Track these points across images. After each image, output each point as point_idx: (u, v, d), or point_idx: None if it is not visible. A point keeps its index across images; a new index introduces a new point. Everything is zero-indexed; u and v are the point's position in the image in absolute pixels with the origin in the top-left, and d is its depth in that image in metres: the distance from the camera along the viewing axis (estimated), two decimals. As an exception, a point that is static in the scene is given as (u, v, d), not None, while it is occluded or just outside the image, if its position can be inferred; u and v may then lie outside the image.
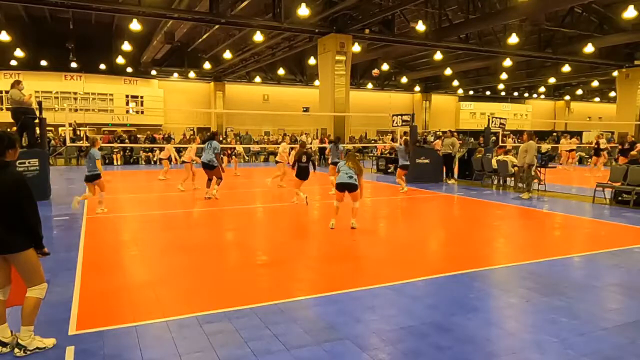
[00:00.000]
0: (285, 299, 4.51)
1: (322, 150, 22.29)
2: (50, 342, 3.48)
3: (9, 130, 4.59)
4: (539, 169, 13.10)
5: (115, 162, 22.74)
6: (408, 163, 12.84)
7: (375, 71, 21.56)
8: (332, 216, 7.93)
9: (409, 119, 15.75)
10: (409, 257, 6.24)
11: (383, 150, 22.01)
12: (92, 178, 9.01)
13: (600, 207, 10.45)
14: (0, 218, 3.23)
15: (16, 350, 3.35)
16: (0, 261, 3.36)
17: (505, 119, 18.08)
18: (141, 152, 23.75)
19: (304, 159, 10.17)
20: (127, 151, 23.37)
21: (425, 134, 31.65)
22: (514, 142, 22.26)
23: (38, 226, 3.35)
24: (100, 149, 11.18)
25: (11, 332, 3.47)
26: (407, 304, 4.43)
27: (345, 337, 3.69)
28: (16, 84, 10.60)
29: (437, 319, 4.08)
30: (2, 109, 28.46)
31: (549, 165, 14.75)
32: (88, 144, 9.68)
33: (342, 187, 7.75)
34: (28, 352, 3.35)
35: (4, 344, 3.41)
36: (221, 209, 10.08)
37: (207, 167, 10.88)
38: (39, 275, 3.43)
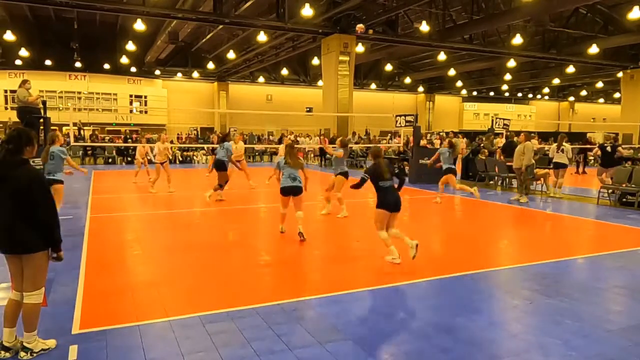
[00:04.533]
0: (288, 299, 4.50)
1: (322, 151, 22.35)
2: (52, 343, 3.47)
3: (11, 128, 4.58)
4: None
5: (116, 162, 22.87)
6: (453, 166, 11.20)
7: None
8: (280, 222, 7.42)
9: (412, 120, 15.74)
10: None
11: (386, 150, 21.99)
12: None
13: (605, 208, 10.40)
14: (17, 217, 3.18)
15: (22, 353, 3.32)
16: (17, 262, 3.29)
17: (509, 119, 18.05)
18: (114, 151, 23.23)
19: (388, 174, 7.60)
20: (131, 150, 23.46)
21: (429, 134, 31.59)
22: (539, 143, 21.87)
23: (55, 227, 3.29)
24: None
25: (15, 336, 3.46)
26: (410, 305, 4.42)
27: (348, 337, 3.68)
28: (23, 84, 10.64)
29: (441, 320, 4.07)
30: (7, 108, 28.57)
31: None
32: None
33: (286, 191, 7.07)
34: (34, 355, 3.33)
35: (7, 349, 3.36)
36: (224, 209, 10.10)
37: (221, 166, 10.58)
38: (43, 279, 3.39)
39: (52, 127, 10.45)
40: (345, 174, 8.93)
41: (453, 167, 11.11)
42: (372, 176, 5.77)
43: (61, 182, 7.49)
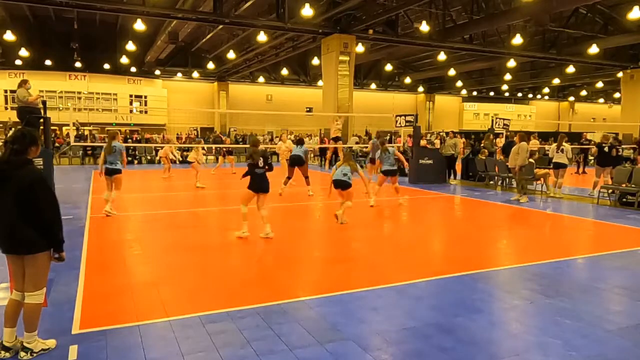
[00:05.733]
0: (288, 299, 4.50)
1: (322, 151, 22.38)
2: (51, 343, 3.47)
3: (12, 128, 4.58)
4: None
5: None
6: (394, 168, 10.30)
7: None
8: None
9: (412, 120, 15.75)
10: (413, 258, 6.23)
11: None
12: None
13: (604, 208, 10.40)
14: (20, 217, 3.18)
15: (22, 353, 3.32)
16: (19, 262, 3.29)
17: (509, 119, 18.04)
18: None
19: (261, 162, 7.06)
20: (131, 150, 23.49)
21: (429, 134, 31.60)
22: (540, 143, 21.86)
23: (57, 228, 3.29)
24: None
25: (15, 336, 3.46)
26: (410, 305, 4.42)
27: (348, 337, 3.68)
28: (23, 84, 10.63)
29: (440, 320, 4.07)
30: (7, 108, 28.56)
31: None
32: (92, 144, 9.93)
33: (336, 184, 8.25)
34: (34, 355, 3.33)
35: (7, 349, 3.36)
36: (224, 209, 10.09)
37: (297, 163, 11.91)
38: (45, 280, 3.39)
39: (52, 127, 10.49)
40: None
41: (391, 168, 10.30)
42: (250, 163, 6.97)
43: (120, 171, 8.79)
